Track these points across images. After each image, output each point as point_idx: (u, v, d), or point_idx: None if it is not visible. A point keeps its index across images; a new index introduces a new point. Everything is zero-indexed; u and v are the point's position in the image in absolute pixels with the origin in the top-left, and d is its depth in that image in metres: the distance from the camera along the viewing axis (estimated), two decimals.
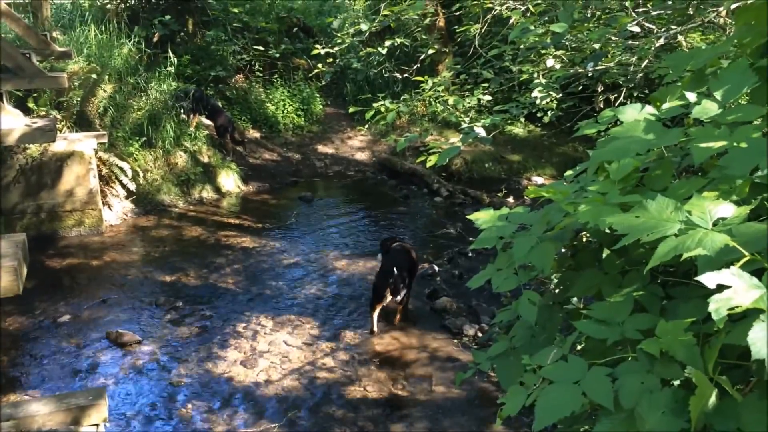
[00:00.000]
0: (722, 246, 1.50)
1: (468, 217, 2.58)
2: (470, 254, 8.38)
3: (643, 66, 4.23)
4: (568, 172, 2.33)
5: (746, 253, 1.51)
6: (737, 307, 1.45)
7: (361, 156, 12.63)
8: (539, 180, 11.91)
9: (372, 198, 10.82)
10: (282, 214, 9.94)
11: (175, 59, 11.37)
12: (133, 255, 8.32)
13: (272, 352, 6.12)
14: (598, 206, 1.79)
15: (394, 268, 6.48)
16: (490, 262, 2.41)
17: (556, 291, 2.46)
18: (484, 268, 2.48)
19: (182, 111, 10.66)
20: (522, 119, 12.82)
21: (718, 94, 1.89)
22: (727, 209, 1.64)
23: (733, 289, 1.48)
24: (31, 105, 8.97)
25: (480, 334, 6.43)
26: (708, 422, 1.59)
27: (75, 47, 9.96)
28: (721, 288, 1.50)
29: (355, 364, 5.98)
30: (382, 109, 6.18)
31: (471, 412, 5.37)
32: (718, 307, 1.47)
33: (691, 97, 1.97)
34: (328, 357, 6.07)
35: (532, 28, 4.29)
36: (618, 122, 2.13)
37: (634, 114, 2.06)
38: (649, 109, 2.08)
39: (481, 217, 2.40)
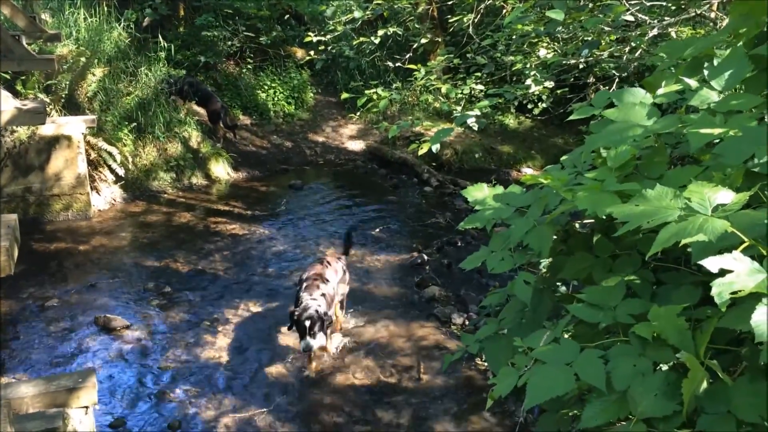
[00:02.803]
0: (723, 232, 1.52)
1: (461, 192, 2.56)
2: (459, 244, 8.40)
3: (635, 56, 4.25)
4: (564, 157, 2.33)
5: (746, 239, 1.53)
6: (739, 291, 1.47)
7: (351, 145, 12.61)
8: (529, 171, 11.95)
9: (362, 187, 10.81)
10: (272, 202, 9.92)
11: (166, 44, 11.29)
12: (121, 240, 8.28)
13: (261, 339, 6.12)
14: (596, 193, 1.80)
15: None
16: (482, 246, 2.41)
17: (547, 275, 2.47)
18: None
19: (171, 96, 10.59)
20: (513, 110, 12.85)
21: (715, 83, 1.90)
22: (725, 196, 1.65)
23: (735, 274, 1.50)
24: (19, 88, 8.89)
25: (468, 323, 6.46)
26: (699, 405, 1.62)
27: (64, 30, 9.87)
28: (722, 273, 1.51)
29: (344, 352, 5.99)
30: (374, 97, 6.18)
31: (458, 399, 5.40)
32: (720, 290, 1.48)
33: (692, 83, 1.98)
34: None
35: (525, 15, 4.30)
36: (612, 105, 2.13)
37: (630, 98, 2.07)
38: (645, 94, 2.09)
39: (475, 194, 2.39)
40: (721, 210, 1.61)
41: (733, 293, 1.47)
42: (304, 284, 5.66)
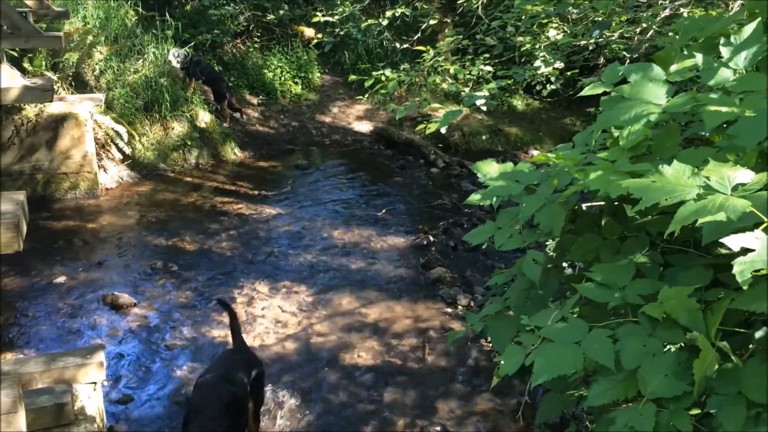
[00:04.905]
0: (744, 211, 1.50)
1: (470, 167, 2.52)
2: (465, 225, 8.39)
3: (647, 37, 4.21)
4: (576, 136, 2.31)
5: (766, 219, 1.51)
6: (762, 269, 1.45)
7: (358, 125, 12.57)
8: (536, 153, 11.88)
9: (368, 168, 10.78)
10: (278, 182, 9.91)
11: (173, 22, 11.23)
12: (128, 219, 8.30)
13: (267, 318, 6.15)
14: (609, 174, 1.78)
15: None
16: (488, 221, 2.39)
17: (554, 255, 2.46)
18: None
19: (174, 61, 10.51)
20: (521, 92, 12.77)
21: (733, 62, 1.87)
22: (745, 175, 1.62)
23: (757, 252, 1.48)
24: (26, 65, 8.87)
25: (473, 304, 6.48)
26: (709, 386, 1.61)
27: (71, 7, 9.81)
28: (744, 252, 1.49)
29: (349, 331, 6.01)
30: (382, 79, 6.14)
31: (463, 380, 5.42)
32: (742, 269, 1.47)
33: (706, 62, 1.95)
34: (322, 323, 6.11)
35: None
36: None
37: (643, 74, 2.03)
38: (658, 70, 2.05)
39: (485, 169, 2.36)
40: (741, 189, 1.59)
41: (755, 271, 1.45)
42: None
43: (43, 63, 9.14)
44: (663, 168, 1.68)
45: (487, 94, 4.88)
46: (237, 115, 11.58)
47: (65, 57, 9.44)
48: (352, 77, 6.66)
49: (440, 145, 11.44)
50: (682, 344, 1.78)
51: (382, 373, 5.48)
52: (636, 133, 1.87)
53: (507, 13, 5.88)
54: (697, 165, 1.74)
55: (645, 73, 2.02)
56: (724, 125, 1.86)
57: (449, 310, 6.41)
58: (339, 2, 7.49)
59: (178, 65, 10.55)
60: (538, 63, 4.90)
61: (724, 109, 1.72)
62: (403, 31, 11.57)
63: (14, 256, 3.45)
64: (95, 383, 3.88)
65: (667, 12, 3.99)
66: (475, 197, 2.36)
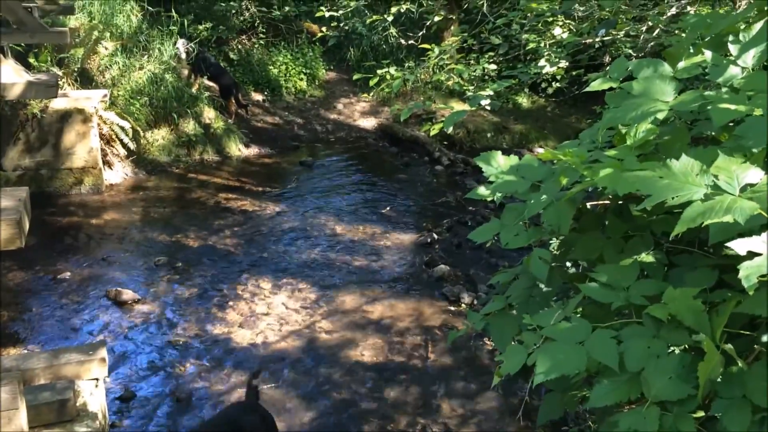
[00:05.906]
0: (752, 214, 1.46)
1: (475, 160, 2.48)
2: (469, 223, 8.37)
3: (653, 36, 4.18)
4: (583, 133, 2.28)
5: None
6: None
7: (363, 122, 12.55)
8: (541, 152, 11.84)
9: (373, 165, 10.77)
10: (282, 178, 9.91)
11: (179, 18, 11.23)
12: (133, 215, 8.31)
13: (270, 315, 6.14)
14: (618, 172, 1.75)
15: None
16: (493, 218, 2.36)
17: (558, 253, 2.43)
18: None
19: (183, 50, 10.51)
20: (526, 89, 12.73)
21: (741, 60, 1.84)
22: (755, 175, 1.58)
23: (765, 257, 1.45)
24: (32, 60, 8.87)
25: (476, 302, 6.46)
26: (713, 389, 1.59)
27: (77, 3, 9.82)
28: (750, 256, 1.46)
29: (352, 329, 6.00)
30: (387, 77, 6.12)
31: (465, 378, 5.41)
32: (748, 273, 1.44)
33: (715, 59, 1.92)
34: (325, 321, 6.10)
35: None
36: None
37: (651, 70, 1.99)
38: (666, 66, 2.02)
39: (490, 162, 2.32)
40: (749, 191, 1.54)
41: (762, 276, 1.43)
42: None
43: (49, 58, 9.14)
44: (671, 161, 1.63)
45: (491, 93, 4.86)
46: (243, 111, 11.57)
47: (70, 52, 9.44)
48: (357, 75, 6.63)
49: (445, 143, 11.40)
50: (687, 346, 1.76)
51: (384, 370, 5.48)
52: (646, 132, 1.84)
53: (513, 11, 5.86)
54: (706, 165, 1.71)
55: (653, 69, 1.99)
56: (732, 124, 1.84)
57: (452, 308, 6.40)
58: None
59: (185, 56, 10.56)
60: (542, 62, 4.87)
61: (732, 106, 1.69)
62: (408, 27, 11.54)
63: (18, 252, 3.44)
64: (97, 380, 3.88)
65: (673, 10, 3.96)
66: (480, 191, 2.33)
